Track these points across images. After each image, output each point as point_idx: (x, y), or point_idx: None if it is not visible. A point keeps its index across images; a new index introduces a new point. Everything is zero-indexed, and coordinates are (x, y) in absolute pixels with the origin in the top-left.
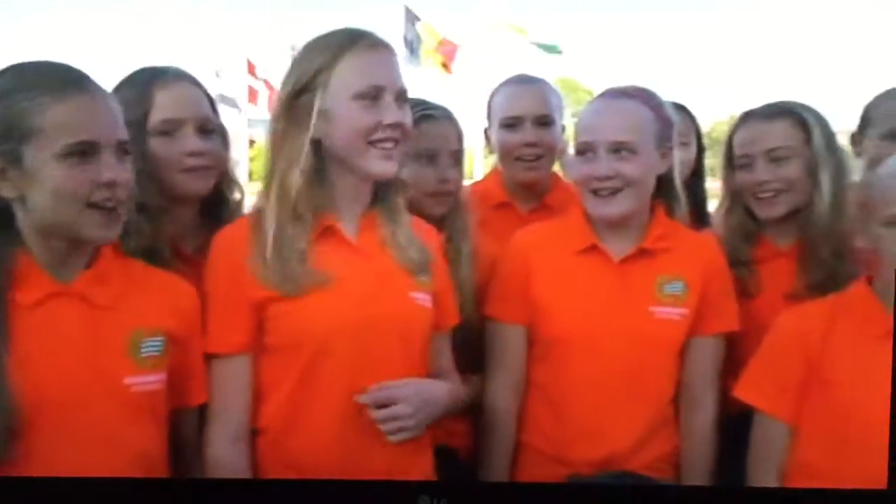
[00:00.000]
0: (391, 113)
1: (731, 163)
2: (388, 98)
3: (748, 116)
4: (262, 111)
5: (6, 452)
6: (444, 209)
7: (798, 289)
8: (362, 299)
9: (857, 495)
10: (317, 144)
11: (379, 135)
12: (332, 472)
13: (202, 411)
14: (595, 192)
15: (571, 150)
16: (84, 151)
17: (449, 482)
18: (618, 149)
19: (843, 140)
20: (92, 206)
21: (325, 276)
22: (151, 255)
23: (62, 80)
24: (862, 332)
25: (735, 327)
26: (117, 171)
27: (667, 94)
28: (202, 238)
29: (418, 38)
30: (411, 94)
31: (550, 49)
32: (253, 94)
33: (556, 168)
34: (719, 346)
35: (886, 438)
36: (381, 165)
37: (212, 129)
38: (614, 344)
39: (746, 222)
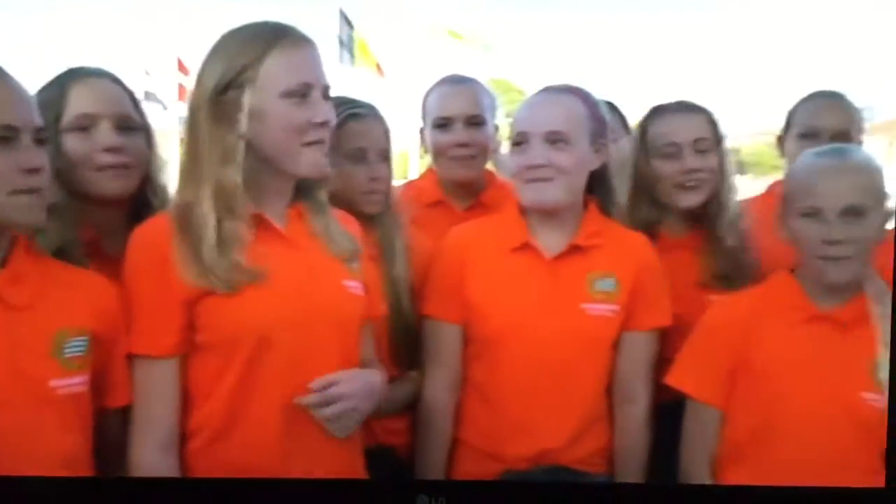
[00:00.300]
0: (320, 111)
1: (647, 153)
2: (316, 95)
3: (664, 110)
4: None
5: None
6: (376, 208)
7: (705, 278)
8: (299, 290)
9: (855, 494)
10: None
11: (308, 132)
12: (274, 471)
13: (125, 412)
14: (528, 182)
15: (504, 149)
16: (4, 137)
17: (447, 481)
18: (552, 139)
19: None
20: (16, 192)
21: (262, 271)
22: (63, 257)
23: None
24: (786, 319)
25: (667, 322)
26: (38, 156)
27: (599, 93)
28: (127, 241)
29: (352, 40)
30: (347, 93)
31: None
32: (183, 93)
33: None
34: (651, 341)
35: (813, 420)
36: (311, 166)
37: (132, 127)
38: (547, 341)
39: (651, 214)
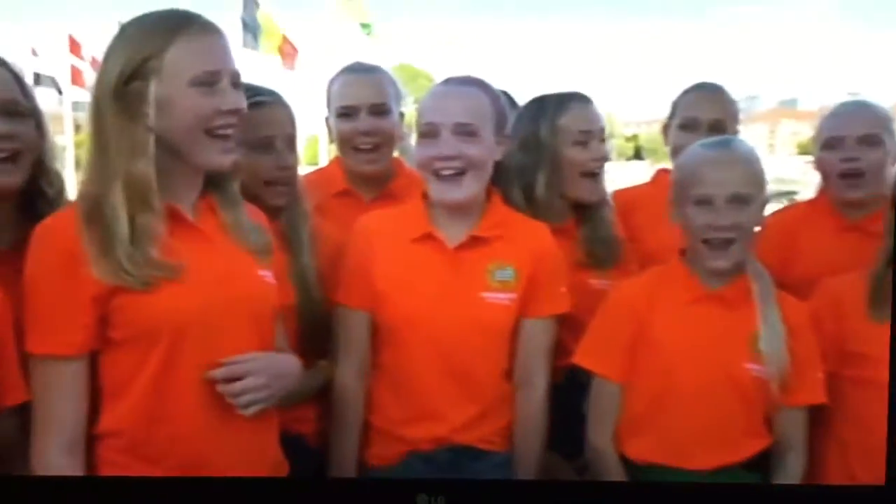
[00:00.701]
0: (229, 99)
1: (559, 142)
2: (225, 83)
3: (572, 98)
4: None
5: None
6: (283, 198)
7: (582, 263)
8: (215, 281)
9: (854, 492)
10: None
11: (218, 121)
12: (194, 464)
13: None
14: (438, 175)
15: (412, 138)
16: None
17: (446, 480)
18: (461, 131)
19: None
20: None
21: (178, 266)
22: None
23: None
24: (678, 298)
25: (565, 309)
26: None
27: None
28: (17, 233)
29: (258, 23)
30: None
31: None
32: (77, 75)
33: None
34: (549, 328)
35: (702, 390)
36: (219, 158)
37: (20, 113)
38: (449, 328)
39: (559, 205)
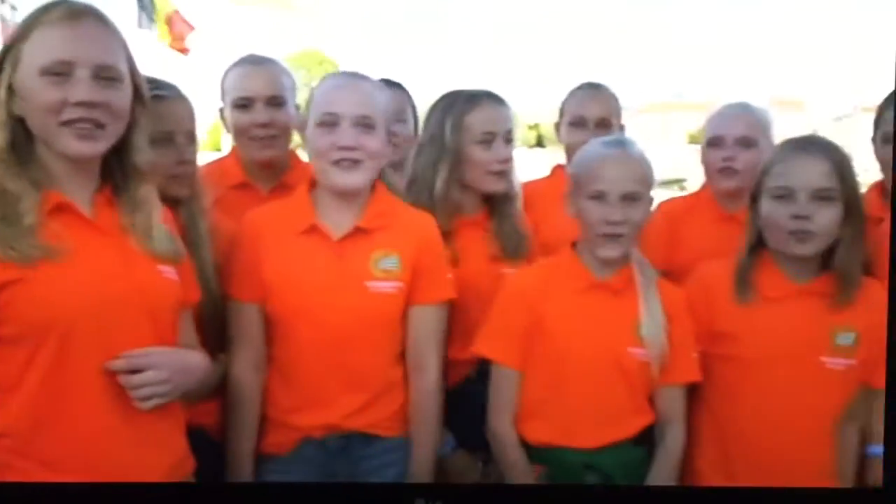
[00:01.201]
0: (80, 90)
1: (464, 141)
2: (81, 74)
3: (481, 97)
4: None
5: None
6: (185, 191)
7: (493, 255)
8: (106, 275)
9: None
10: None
11: (68, 114)
12: (96, 466)
13: None
14: (337, 163)
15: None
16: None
17: (444, 485)
18: (362, 122)
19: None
20: None
21: (59, 247)
22: None
23: None
24: (569, 287)
25: (451, 295)
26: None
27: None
28: None
29: (153, 3)
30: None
31: None
32: None
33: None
34: (438, 314)
35: (591, 373)
36: (75, 146)
37: None
38: (336, 318)
39: (460, 198)
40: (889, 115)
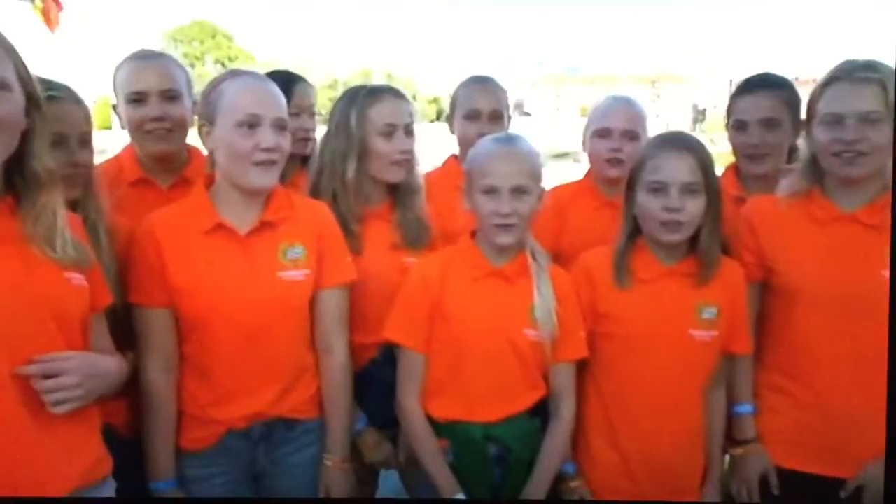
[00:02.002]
0: None
1: (368, 133)
2: None
3: (382, 90)
4: None
5: None
6: (77, 192)
7: (396, 244)
8: (8, 284)
9: None
10: None
11: None
12: (9, 471)
13: None
14: (259, 164)
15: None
16: None
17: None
18: (279, 125)
19: None
20: None
21: None
22: None
23: None
24: (467, 276)
25: (352, 277)
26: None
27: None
28: None
29: None
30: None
31: None
32: None
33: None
34: (342, 296)
35: (489, 353)
36: None
37: None
38: (250, 311)
39: (369, 188)
40: (740, 104)
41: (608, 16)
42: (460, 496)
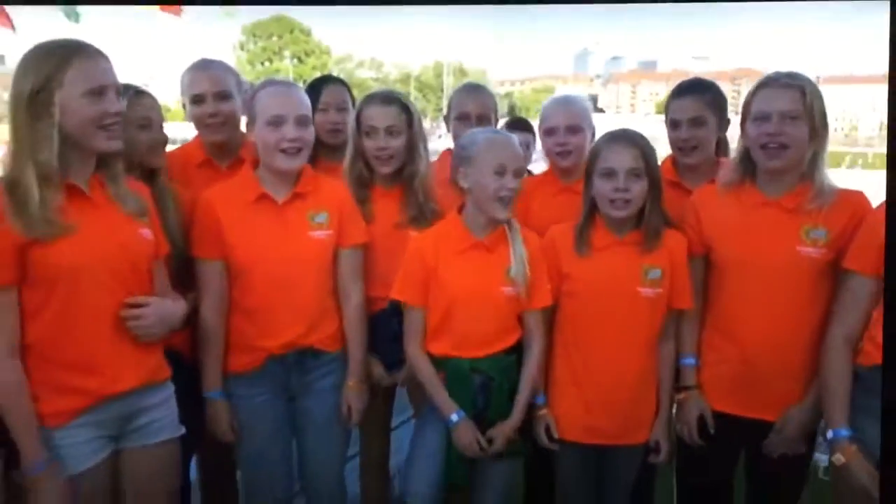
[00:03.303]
0: (114, 105)
1: (360, 133)
2: (111, 94)
3: (372, 98)
4: None
5: None
6: (161, 163)
7: (402, 221)
8: (102, 237)
9: None
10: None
11: (106, 120)
12: (96, 363)
13: None
14: (285, 151)
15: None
16: None
17: None
18: (302, 121)
19: None
20: None
21: (73, 225)
22: None
23: None
24: (453, 247)
25: (364, 239)
26: None
27: None
28: None
29: None
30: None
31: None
32: None
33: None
34: (356, 254)
35: (473, 307)
36: (107, 144)
37: None
38: (284, 262)
39: (364, 173)
40: (673, 106)
41: (685, 10)
42: (455, 415)
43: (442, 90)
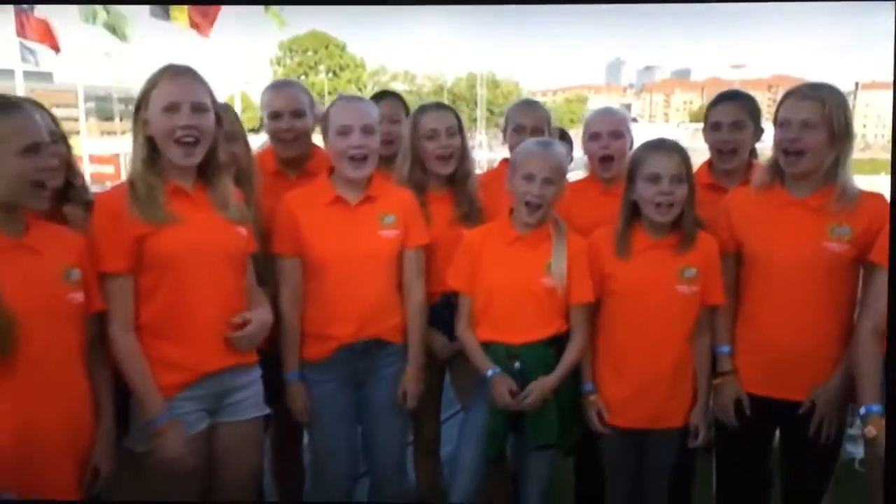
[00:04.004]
0: (186, 119)
1: (419, 137)
2: (185, 109)
3: (426, 107)
4: None
5: None
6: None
7: (455, 219)
8: (202, 231)
9: None
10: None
11: (179, 134)
12: (199, 347)
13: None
14: (352, 159)
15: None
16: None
17: None
18: (367, 130)
19: None
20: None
21: (177, 216)
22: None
23: None
24: (500, 240)
25: (426, 241)
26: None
27: None
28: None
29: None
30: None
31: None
32: None
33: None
34: (420, 254)
35: (514, 297)
36: (183, 159)
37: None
38: (355, 258)
39: (421, 178)
40: (717, 108)
41: (719, 19)
42: (491, 370)
43: (475, 102)
